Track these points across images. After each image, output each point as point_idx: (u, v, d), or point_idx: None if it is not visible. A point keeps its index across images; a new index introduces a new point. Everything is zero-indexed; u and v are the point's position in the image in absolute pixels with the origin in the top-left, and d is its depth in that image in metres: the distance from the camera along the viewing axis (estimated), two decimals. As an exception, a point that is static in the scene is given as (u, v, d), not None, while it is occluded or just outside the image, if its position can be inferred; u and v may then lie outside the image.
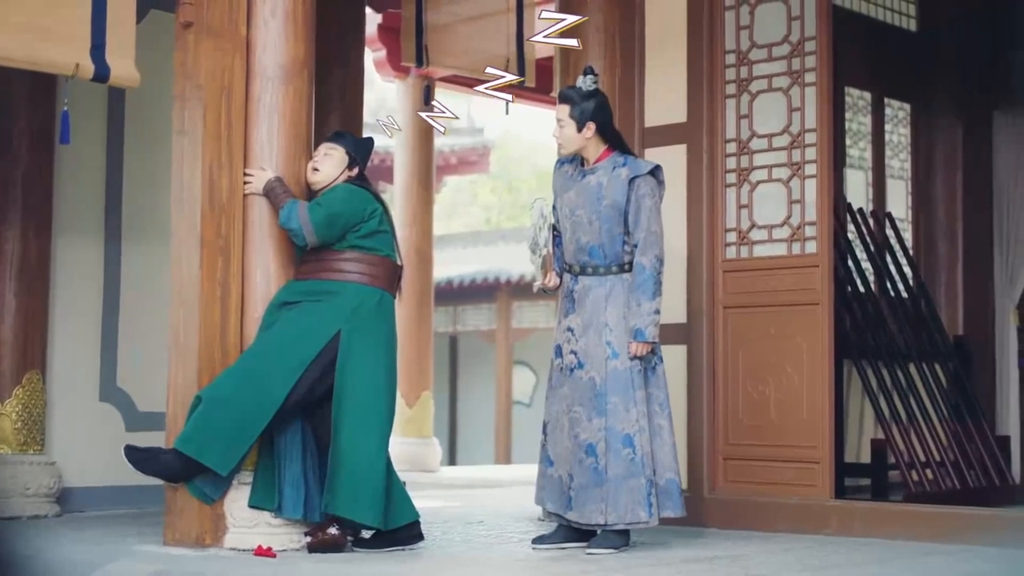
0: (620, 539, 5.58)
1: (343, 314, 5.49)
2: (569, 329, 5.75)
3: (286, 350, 5.43)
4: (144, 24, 5.70)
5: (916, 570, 5.03)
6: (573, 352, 5.70)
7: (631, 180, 5.68)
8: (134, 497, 7.22)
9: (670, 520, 5.81)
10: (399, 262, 5.77)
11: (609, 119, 5.84)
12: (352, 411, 5.45)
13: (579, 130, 5.74)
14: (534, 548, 5.67)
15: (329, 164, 5.71)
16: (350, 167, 5.76)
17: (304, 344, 5.44)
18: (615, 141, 5.82)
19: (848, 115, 9.00)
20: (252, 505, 5.45)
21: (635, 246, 5.66)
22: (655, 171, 5.75)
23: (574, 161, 5.87)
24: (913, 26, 9.34)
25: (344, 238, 5.57)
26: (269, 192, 5.57)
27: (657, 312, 5.62)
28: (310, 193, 5.70)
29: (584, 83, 5.79)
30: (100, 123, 7.45)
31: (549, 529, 5.83)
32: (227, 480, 5.44)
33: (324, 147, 5.77)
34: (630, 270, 5.67)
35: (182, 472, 5.41)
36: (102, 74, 5.37)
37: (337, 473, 5.40)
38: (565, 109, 5.78)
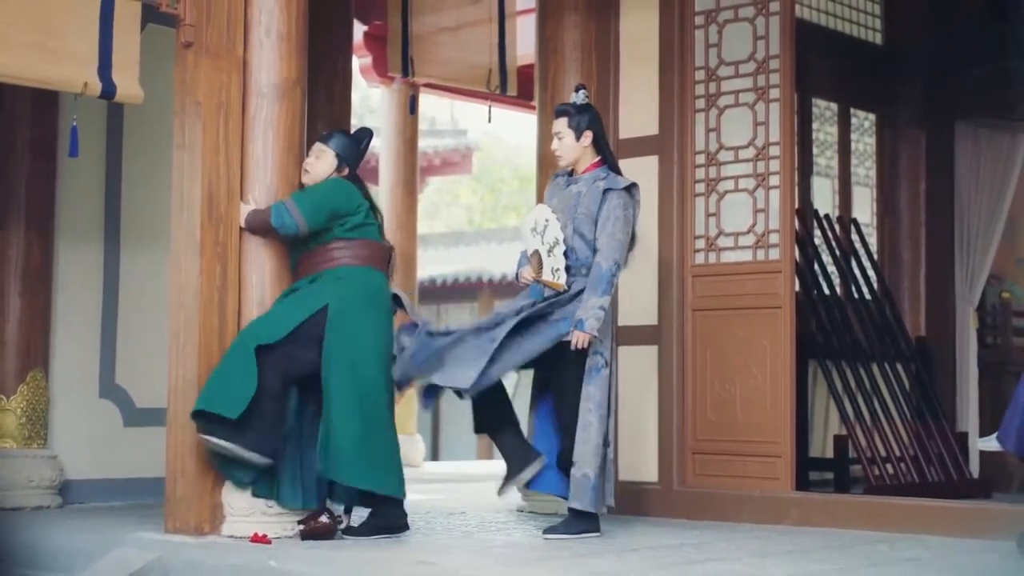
0: (578, 525, 5.92)
1: (329, 289, 5.84)
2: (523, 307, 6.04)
3: (275, 316, 5.80)
4: (142, 38, 6.00)
5: (861, 556, 5.37)
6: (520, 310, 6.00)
7: (605, 191, 6.03)
8: (132, 489, 7.54)
9: (633, 511, 6.25)
10: (386, 244, 6.10)
11: (602, 131, 6.22)
12: (341, 377, 5.75)
13: (577, 139, 6.11)
14: (546, 539, 5.92)
15: (319, 166, 6.04)
16: (339, 168, 6.09)
17: (293, 311, 5.79)
18: (606, 155, 6.19)
19: (815, 125, 9.30)
20: (255, 495, 5.78)
21: (598, 249, 5.97)
22: (631, 188, 6.08)
23: (565, 176, 6.23)
24: (879, 40, 9.64)
25: (331, 231, 5.90)
26: (252, 220, 5.90)
27: (602, 309, 5.88)
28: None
29: (576, 98, 6.17)
30: (100, 132, 7.73)
31: (544, 520, 6.19)
32: (254, 465, 5.71)
33: (315, 149, 6.08)
34: None
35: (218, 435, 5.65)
36: (109, 92, 5.70)
37: (330, 438, 5.71)
38: (563, 122, 6.14)
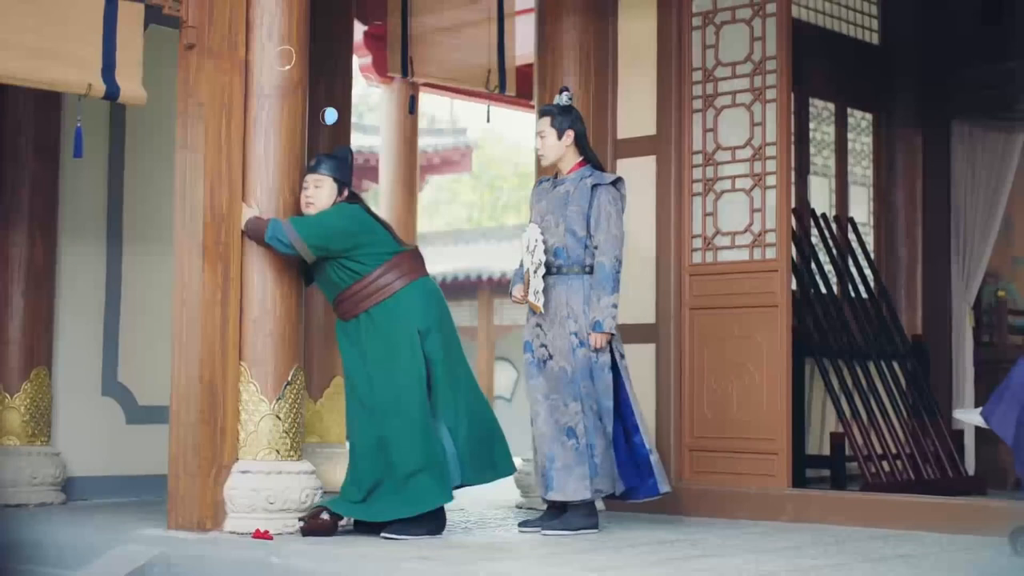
0: (577, 521, 6.04)
1: (409, 313, 5.97)
2: (538, 325, 6.22)
3: (410, 387, 5.98)
4: (144, 39, 6.06)
5: (856, 552, 5.44)
6: (543, 345, 6.18)
7: (594, 187, 6.18)
8: (134, 486, 7.64)
9: (631, 507, 6.38)
10: (409, 247, 6.19)
11: (584, 132, 6.35)
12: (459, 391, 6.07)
13: (559, 138, 6.25)
14: (521, 531, 6.12)
15: (322, 196, 6.05)
16: (340, 192, 6.12)
17: (411, 366, 5.97)
18: (588, 154, 6.31)
19: (812, 125, 9.38)
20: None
21: (596, 247, 6.13)
22: (617, 183, 6.25)
23: (550, 180, 6.35)
24: (875, 40, 9.73)
25: (360, 262, 5.96)
26: (251, 227, 5.95)
27: (615, 306, 6.08)
28: None
29: (560, 99, 6.32)
30: (102, 133, 7.82)
31: (535, 515, 6.29)
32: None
33: (312, 179, 6.06)
34: (591, 271, 6.14)
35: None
36: (112, 93, 5.77)
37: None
38: (546, 121, 6.29)
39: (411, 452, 5.90)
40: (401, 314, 5.96)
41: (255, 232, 5.97)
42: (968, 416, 6.01)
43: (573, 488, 6.03)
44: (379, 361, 5.96)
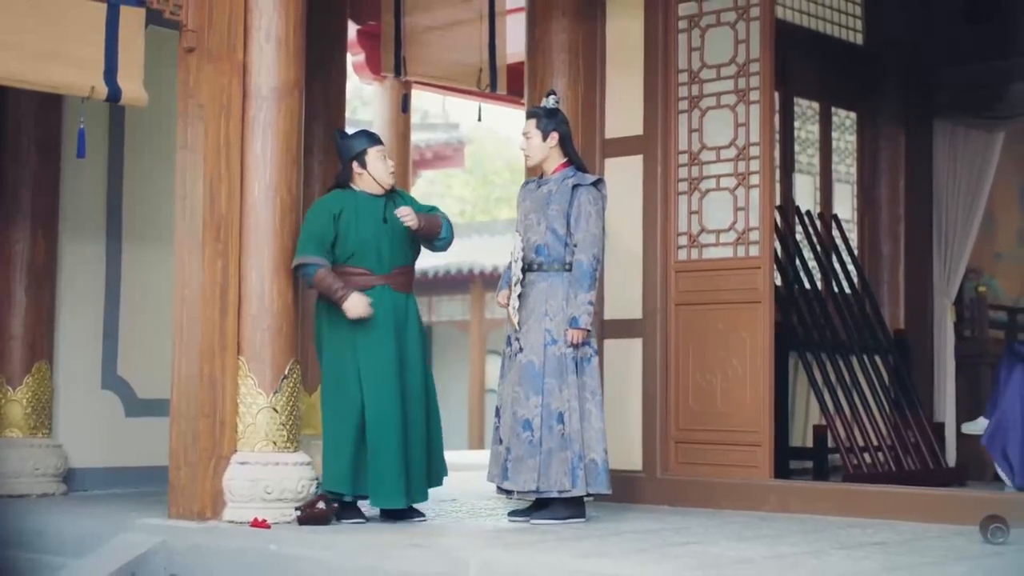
0: (564, 511, 6.20)
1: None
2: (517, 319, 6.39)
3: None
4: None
5: (833, 539, 5.61)
6: (518, 339, 6.35)
7: (575, 187, 6.35)
8: (134, 477, 7.79)
9: (618, 498, 6.52)
10: None
11: (569, 134, 6.52)
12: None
13: (544, 139, 6.42)
14: (510, 521, 6.29)
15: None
16: None
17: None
18: (572, 156, 6.49)
19: (797, 123, 9.50)
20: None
21: (575, 246, 6.29)
22: (597, 183, 6.42)
23: (535, 181, 6.53)
24: (859, 40, 9.88)
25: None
26: (425, 224, 6.32)
27: (591, 303, 6.25)
28: (386, 193, 6.41)
29: (547, 102, 6.50)
30: (102, 132, 7.97)
31: (524, 505, 6.47)
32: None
33: (386, 151, 6.44)
34: (571, 269, 6.31)
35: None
36: (114, 95, 5.95)
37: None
38: (532, 123, 6.47)
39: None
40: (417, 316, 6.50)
41: (430, 226, 6.34)
42: (974, 428, 6.24)
43: (524, 480, 6.20)
44: (421, 346, 6.36)
